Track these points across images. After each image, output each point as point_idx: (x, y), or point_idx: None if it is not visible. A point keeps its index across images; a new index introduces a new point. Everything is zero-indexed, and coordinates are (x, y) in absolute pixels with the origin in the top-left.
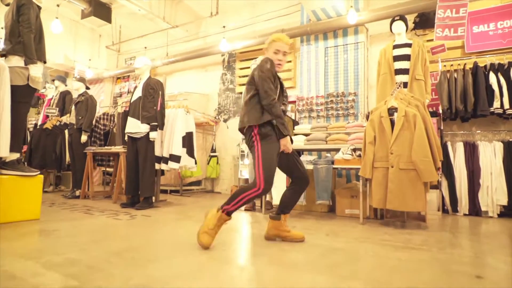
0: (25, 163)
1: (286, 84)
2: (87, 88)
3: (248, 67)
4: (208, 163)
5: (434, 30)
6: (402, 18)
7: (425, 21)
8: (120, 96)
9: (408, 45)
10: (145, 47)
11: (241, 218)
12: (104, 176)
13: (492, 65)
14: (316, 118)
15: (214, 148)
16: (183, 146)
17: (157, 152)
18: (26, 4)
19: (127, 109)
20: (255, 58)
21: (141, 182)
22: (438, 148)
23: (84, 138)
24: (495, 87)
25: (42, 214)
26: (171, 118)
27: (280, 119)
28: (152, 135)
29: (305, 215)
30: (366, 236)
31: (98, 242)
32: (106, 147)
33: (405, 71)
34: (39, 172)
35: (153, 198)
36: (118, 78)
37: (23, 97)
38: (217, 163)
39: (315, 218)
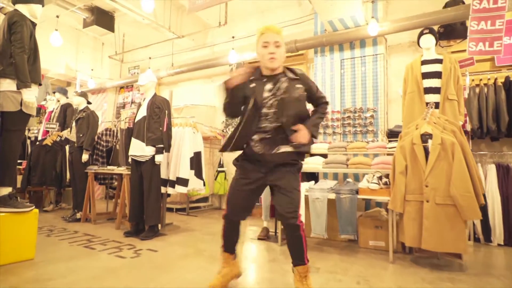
0: (28, 179)
1: None
2: (89, 103)
3: None
4: (215, 179)
5: (458, 41)
6: (432, 31)
7: (450, 31)
8: (124, 106)
9: (439, 61)
10: (150, 57)
11: (255, 254)
12: (107, 190)
13: None
14: (332, 135)
15: (221, 163)
16: (191, 168)
17: (163, 175)
18: (19, 21)
19: (131, 125)
20: None
21: (146, 209)
22: (479, 181)
23: (85, 157)
24: None
25: (37, 250)
26: (178, 138)
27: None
28: (158, 158)
29: (325, 247)
30: (402, 286)
31: None
32: (109, 167)
33: (436, 90)
34: (33, 207)
35: (159, 225)
36: (122, 87)
37: (16, 124)
38: (225, 178)
39: (338, 253)
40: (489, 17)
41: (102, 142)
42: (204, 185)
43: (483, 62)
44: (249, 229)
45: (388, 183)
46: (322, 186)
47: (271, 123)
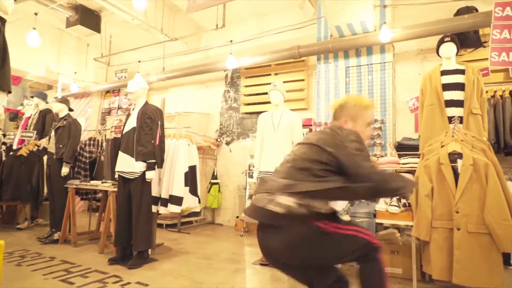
0: None
1: (298, 105)
2: (70, 110)
3: (255, 85)
4: (208, 191)
5: (470, 50)
6: (453, 39)
7: (462, 40)
8: (109, 112)
9: (461, 72)
10: (139, 61)
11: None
12: (90, 202)
13: None
14: None
15: (215, 174)
16: (186, 185)
17: (154, 192)
18: None
19: (118, 134)
20: (263, 75)
21: (135, 233)
22: None
23: (65, 170)
24: None
25: (3, 285)
26: (171, 151)
27: None
28: (149, 175)
29: None
30: None
31: None
32: (92, 181)
33: (458, 103)
34: None
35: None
36: (108, 92)
37: None
38: (219, 191)
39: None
40: (510, 25)
41: (85, 153)
42: (200, 202)
43: (497, 72)
44: (247, 249)
45: (408, 204)
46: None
47: None
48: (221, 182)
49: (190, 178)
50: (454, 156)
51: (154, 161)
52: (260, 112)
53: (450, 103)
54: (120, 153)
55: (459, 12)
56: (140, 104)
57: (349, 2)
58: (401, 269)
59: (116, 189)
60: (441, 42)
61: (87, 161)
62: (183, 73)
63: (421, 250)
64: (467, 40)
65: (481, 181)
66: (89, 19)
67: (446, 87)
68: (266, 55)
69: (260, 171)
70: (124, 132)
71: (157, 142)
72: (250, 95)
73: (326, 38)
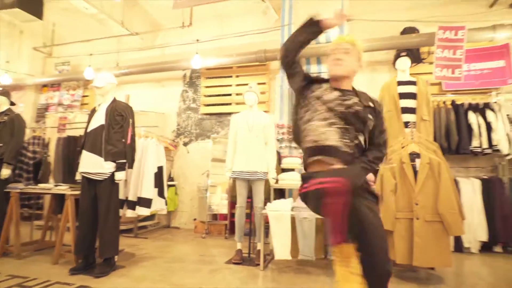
0: None
1: (259, 107)
2: (12, 104)
3: (216, 86)
4: None
5: (413, 64)
6: (408, 54)
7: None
8: (47, 109)
9: (413, 83)
10: (91, 54)
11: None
12: (21, 209)
13: (470, 104)
14: (298, 148)
15: (171, 176)
16: (155, 186)
17: (119, 195)
18: None
19: (62, 132)
20: (224, 76)
21: (102, 238)
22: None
23: (6, 172)
24: (474, 126)
25: None
26: (140, 151)
27: None
28: (119, 176)
29: (308, 268)
30: None
31: None
32: (40, 185)
33: (411, 110)
34: None
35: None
36: (45, 86)
37: None
38: (176, 193)
39: (324, 273)
40: (451, 46)
41: (28, 153)
42: (166, 204)
43: (432, 85)
44: (214, 251)
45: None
46: (301, 204)
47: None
48: (178, 184)
49: (158, 179)
50: (413, 156)
51: (124, 161)
52: (221, 114)
53: (405, 110)
54: (84, 152)
55: (405, 31)
56: (108, 101)
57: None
58: None
59: (75, 192)
60: (398, 56)
61: (31, 162)
62: (140, 70)
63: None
64: (410, 55)
65: (435, 178)
66: (30, 2)
67: (402, 96)
68: (232, 57)
69: (233, 171)
70: (89, 130)
71: (128, 141)
72: (210, 96)
73: None
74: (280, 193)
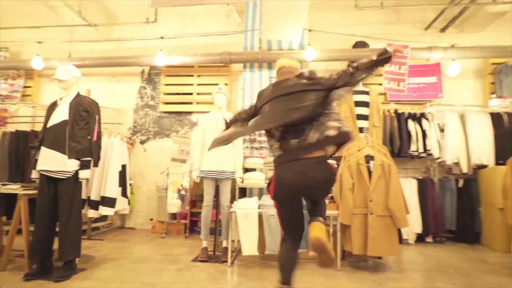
0: None
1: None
2: None
3: (176, 84)
4: None
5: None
6: None
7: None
8: None
9: (366, 93)
10: (40, 42)
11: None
12: None
13: (409, 113)
14: (258, 149)
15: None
16: (119, 185)
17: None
18: None
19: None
20: (186, 75)
21: (63, 240)
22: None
23: None
24: (413, 133)
25: None
26: (104, 149)
27: None
28: (84, 174)
29: (273, 262)
30: None
31: None
32: None
33: (365, 117)
34: None
35: None
36: None
37: None
38: (132, 192)
39: None
40: (397, 62)
41: None
42: (129, 203)
43: (380, 95)
44: (177, 250)
45: (331, 198)
46: (267, 202)
47: None
48: (134, 183)
49: (122, 177)
50: (368, 158)
51: (89, 159)
52: (181, 113)
53: (359, 117)
54: (44, 149)
55: (356, 45)
56: (71, 95)
57: (286, 22)
58: None
59: (29, 192)
60: None
61: None
62: (95, 63)
63: (343, 233)
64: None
65: (386, 178)
66: None
67: (357, 104)
68: (196, 56)
69: (201, 170)
70: (49, 125)
71: (94, 138)
72: (170, 94)
73: (252, 48)
74: (242, 192)
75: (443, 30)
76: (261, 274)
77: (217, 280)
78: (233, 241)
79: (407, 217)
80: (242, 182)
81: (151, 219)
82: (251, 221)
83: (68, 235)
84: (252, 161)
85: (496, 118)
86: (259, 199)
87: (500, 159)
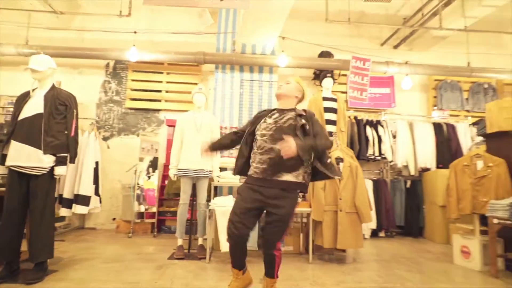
0: None
1: (189, 107)
2: None
3: (145, 81)
4: None
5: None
6: (332, 76)
7: (320, 75)
8: None
9: (334, 100)
10: None
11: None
12: None
13: (367, 120)
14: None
15: None
16: (93, 183)
17: None
18: None
19: None
20: (155, 72)
21: (35, 240)
22: None
23: None
24: (370, 138)
25: None
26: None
27: None
28: (60, 171)
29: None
30: (340, 280)
31: None
32: None
33: (333, 122)
34: None
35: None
36: None
37: None
38: None
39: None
40: (360, 73)
41: None
42: (101, 202)
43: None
44: (149, 248)
45: (303, 196)
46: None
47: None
48: None
49: (95, 175)
50: (338, 160)
51: (66, 155)
52: (148, 110)
53: (328, 122)
54: (15, 143)
55: (322, 54)
56: (46, 87)
57: (264, 29)
58: (292, 246)
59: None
60: (324, 76)
61: None
62: (56, 52)
63: (315, 228)
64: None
65: (353, 178)
66: None
67: (326, 109)
68: (170, 54)
69: (179, 169)
70: (21, 118)
71: (72, 133)
72: (137, 90)
73: (224, 50)
74: (215, 191)
75: (396, 47)
76: None
77: (199, 276)
78: (205, 239)
79: (371, 214)
80: (219, 182)
81: (114, 219)
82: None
83: (41, 235)
84: (224, 161)
85: (437, 127)
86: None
87: (440, 163)
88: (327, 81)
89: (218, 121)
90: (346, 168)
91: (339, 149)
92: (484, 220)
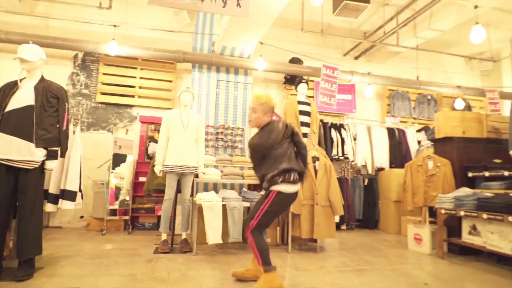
0: None
1: (164, 104)
2: None
3: (117, 75)
4: None
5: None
6: (306, 81)
7: (290, 79)
8: None
9: (308, 104)
10: None
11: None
12: None
13: (332, 123)
14: (206, 147)
15: None
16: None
17: None
18: None
19: None
20: (128, 67)
21: (24, 237)
22: None
23: None
24: (335, 139)
25: None
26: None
27: None
28: (51, 165)
29: (229, 249)
30: (323, 266)
31: None
32: None
33: (307, 125)
34: None
35: None
36: None
37: None
38: None
39: (245, 252)
40: (329, 80)
41: None
42: (82, 198)
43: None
44: (129, 245)
45: None
46: (230, 195)
47: None
48: None
49: (80, 170)
50: (314, 159)
51: (57, 148)
52: (120, 105)
53: (303, 124)
54: (3, 135)
55: (293, 60)
56: (35, 78)
57: (246, 34)
58: (270, 239)
59: None
60: (299, 81)
61: None
62: (21, 38)
63: (293, 221)
64: (294, 80)
65: (327, 175)
66: None
67: (301, 112)
68: (149, 50)
69: (166, 165)
70: (9, 109)
71: (64, 127)
72: (109, 84)
73: (201, 50)
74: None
75: (356, 58)
76: (227, 260)
77: (191, 267)
78: (188, 233)
79: (342, 207)
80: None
81: (82, 217)
82: (216, 213)
83: (31, 231)
84: (205, 158)
85: (390, 132)
86: (216, 192)
87: (393, 163)
88: (302, 86)
89: (204, 120)
90: (321, 166)
91: (315, 149)
92: (431, 211)
